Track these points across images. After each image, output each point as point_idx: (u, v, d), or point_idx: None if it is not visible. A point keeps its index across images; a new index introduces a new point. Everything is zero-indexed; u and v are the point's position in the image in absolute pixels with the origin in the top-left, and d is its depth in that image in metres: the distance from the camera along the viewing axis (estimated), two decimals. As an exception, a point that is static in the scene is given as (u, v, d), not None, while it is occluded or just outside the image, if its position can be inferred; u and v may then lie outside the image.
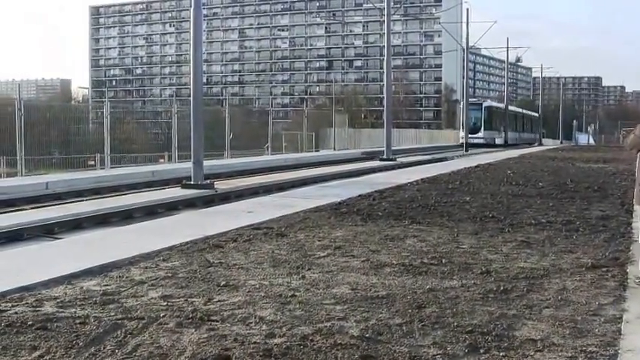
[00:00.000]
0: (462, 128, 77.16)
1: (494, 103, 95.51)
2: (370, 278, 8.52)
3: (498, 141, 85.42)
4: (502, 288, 8.03)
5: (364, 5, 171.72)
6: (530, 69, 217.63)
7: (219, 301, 7.40)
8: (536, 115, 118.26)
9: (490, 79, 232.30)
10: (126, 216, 18.59)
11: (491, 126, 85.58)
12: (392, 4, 51.15)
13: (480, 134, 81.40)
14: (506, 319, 6.84)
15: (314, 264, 9.32)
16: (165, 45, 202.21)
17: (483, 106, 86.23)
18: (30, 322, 6.58)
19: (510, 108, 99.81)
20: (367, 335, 6.26)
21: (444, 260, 9.59)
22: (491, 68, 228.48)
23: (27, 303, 7.33)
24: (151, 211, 19.49)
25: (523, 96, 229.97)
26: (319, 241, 11.13)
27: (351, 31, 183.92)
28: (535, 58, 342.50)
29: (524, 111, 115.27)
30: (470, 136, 72.41)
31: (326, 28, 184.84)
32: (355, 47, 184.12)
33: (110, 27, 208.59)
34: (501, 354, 5.85)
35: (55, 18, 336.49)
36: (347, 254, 10.01)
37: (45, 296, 7.61)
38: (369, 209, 15.36)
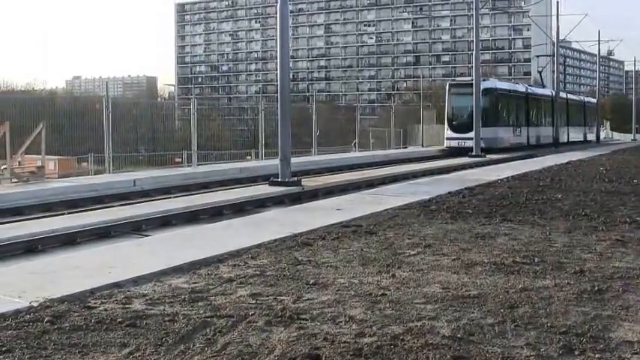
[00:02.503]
0: (447, 123, 52.92)
1: (504, 84, 60.32)
2: (461, 277, 8.40)
3: (513, 141, 54.74)
4: (597, 288, 7.83)
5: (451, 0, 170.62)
6: (622, 62, 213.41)
7: (308, 299, 7.36)
8: (592, 101, 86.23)
9: (581, 73, 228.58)
10: (214, 213, 18.69)
11: (497, 119, 52.97)
12: (480, -3, 50.78)
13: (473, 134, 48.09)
14: (601, 319, 6.67)
15: (404, 262, 9.23)
16: (251, 41, 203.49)
17: (482, 88, 49.88)
18: (119, 319, 6.63)
19: (534, 90, 63.89)
20: (459, 335, 6.16)
21: (536, 259, 9.41)
22: (581, 62, 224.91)
23: (116, 300, 7.39)
24: (239, 209, 19.58)
25: (615, 90, 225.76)
26: (409, 239, 11.03)
27: (438, 26, 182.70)
28: (628, 50, 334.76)
29: (569, 95, 78.19)
30: (454, 136, 51.29)
31: (413, 22, 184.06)
32: (443, 42, 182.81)
33: (196, 24, 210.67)
34: (597, 356, 5.70)
35: (141, 15, 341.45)
36: (437, 252, 9.89)
37: (134, 293, 7.66)
38: (459, 207, 15.20)
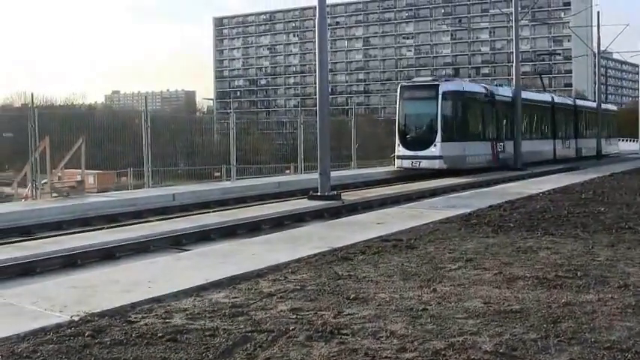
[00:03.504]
0: (398, 137, 39.70)
1: (474, 86, 45.56)
2: (503, 292, 8.32)
3: (480, 160, 40.99)
4: (642, 302, 7.72)
5: (490, 11, 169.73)
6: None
7: (348, 314, 7.33)
8: (611, 108, 74.26)
9: (622, 84, 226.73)
10: (253, 228, 18.67)
11: (464, 130, 40.54)
12: (519, 9, 50.29)
13: (434, 149, 37.86)
14: (646, 335, 6.56)
15: (445, 277, 9.16)
16: (289, 55, 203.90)
17: (441, 90, 38.62)
18: (160, 334, 6.63)
19: (527, 95, 49.92)
20: (501, 351, 6.10)
21: (579, 273, 9.30)
22: (623, 73, 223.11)
23: (157, 314, 7.40)
24: (277, 223, 19.55)
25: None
26: (449, 253, 10.96)
27: (477, 38, 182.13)
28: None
29: (563, 99, 62.87)
30: (407, 154, 38.68)
31: (452, 35, 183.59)
32: (482, 54, 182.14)
33: (234, 38, 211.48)
34: (643, 372, 5.61)
35: (179, 30, 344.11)
36: (478, 267, 9.81)
37: (174, 308, 7.67)
38: (499, 220, 15.10)
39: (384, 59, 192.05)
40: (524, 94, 48.13)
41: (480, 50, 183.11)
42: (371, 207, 22.31)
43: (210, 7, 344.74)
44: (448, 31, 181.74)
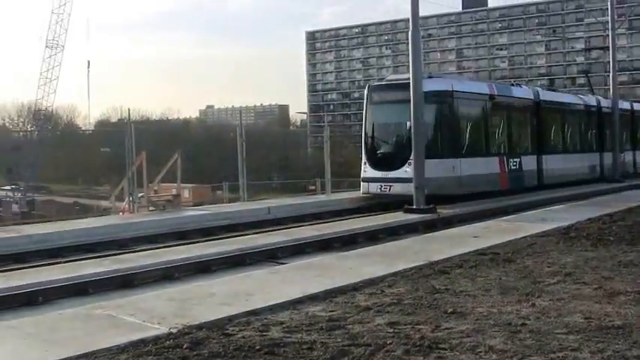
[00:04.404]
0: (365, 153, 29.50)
1: (471, 86, 33.44)
2: (604, 307, 8.14)
3: (480, 181, 29.55)
4: None
5: (585, 20, 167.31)
6: None
7: (446, 328, 7.26)
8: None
9: None
10: (348, 241, 18.64)
11: (453, 145, 29.17)
12: (616, 17, 49.08)
13: (409, 170, 26.05)
14: None
15: (543, 291, 9.01)
16: (382, 68, 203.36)
17: (426, 89, 26.03)
18: (257, 347, 6.66)
19: (560, 98, 39.92)
20: (604, 368, 5.96)
21: (684, 288, 9.05)
22: None
23: (254, 327, 7.44)
24: (372, 237, 19.48)
25: None
26: (548, 267, 10.78)
27: (572, 48, 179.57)
28: None
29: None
30: (375, 175, 28.46)
31: (546, 45, 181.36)
32: (577, 64, 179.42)
33: (326, 51, 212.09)
34: None
35: (272, 44, 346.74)
36: (578, 281, 9.63)
37: (271, 321, 7.70)
38: (599, 234, 14.79)
39: (478, 71, 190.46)
40: (558, 97, 39.90)
41: (575, 60, 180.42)
42: (466, 220, 22.06)
43: (302, 22, 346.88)
44: (542, 41, 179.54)
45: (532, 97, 34.93)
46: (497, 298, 8.68)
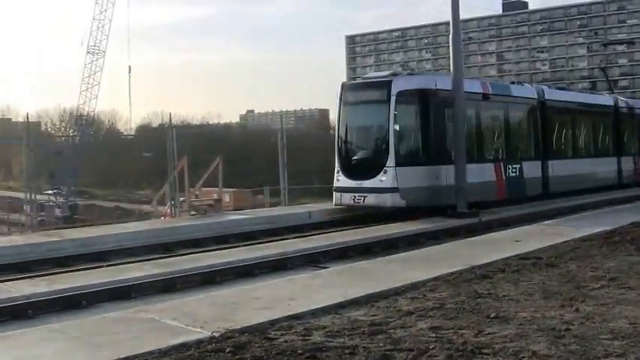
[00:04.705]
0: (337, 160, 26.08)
1: (450, 80, 25.27)
2: (650, 312, 8.06)
3: (474, 191, 24.75)
4: None
5: (628, 21, 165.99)
6: None
7: (489, 333, 7.22)
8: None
9: None
10: (389, 246, 18.58)
11: (437, 149, 25.41)
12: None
13: (384, 178, 24.08)
14: None
15: (587, 296, 8.94)
16: (422, 71, 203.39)
17: (395, 89, 24.36)
18: (300, 351, 6.66)
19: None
20: (650, 374, 5.90)
21: None
22: None
23: (296, 332, 7.45)
24: (413, 241, 19.41)
25: None
26: (592, 271, 10.69)
27: (614, 50, 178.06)
28: None
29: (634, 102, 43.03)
30: (347, 185, 25.08)
31: (588, 47, 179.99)
32: (620, 66, 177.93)
33: (366, 55, 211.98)
34: None
35: (313, 48, 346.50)
36: (622, 286, 9.54)
37: (313, 325, 7.70)
38: (643, 238, 14.64)
39: (519, 74, 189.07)
40: (566, 96, 35.71)
41: (617, 62, 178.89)
42: (507, 224, 21.93)
43: (344, 25, 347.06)
44: (584, 43, 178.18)
45: (535, 96, 31.03)
46: (541, 302, 8.63)
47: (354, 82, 28.58)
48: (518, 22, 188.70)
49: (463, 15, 25.47)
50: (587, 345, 6.75)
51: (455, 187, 23.69)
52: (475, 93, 27.34)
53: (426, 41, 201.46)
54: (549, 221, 20.94)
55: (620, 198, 30.15)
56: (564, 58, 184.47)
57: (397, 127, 24.33)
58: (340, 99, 26.16)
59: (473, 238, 17.22)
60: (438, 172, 24.80)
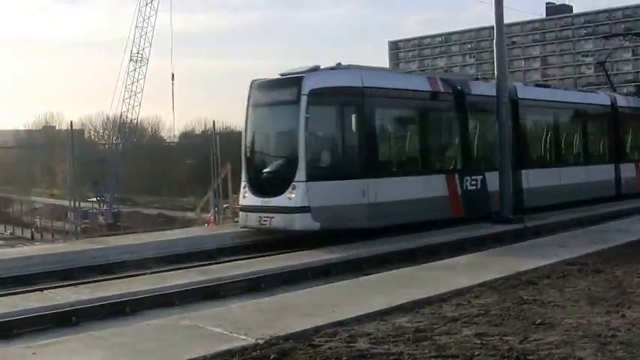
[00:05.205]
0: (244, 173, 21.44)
1: (392, 77, 25.56)
2: (698, 319, 7.95)
3: (414, 209, 21.51)
4: None
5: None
6: None
7: (535, 339, 7.18)
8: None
9: None
10: (433, 252, 18.49)
11: (365, 159, 20.87)
12: None
13: (292, 195, 19.48)
14: None
15: (634, 302, 8.85)
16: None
17: (306, 87, 19.79)
18: (344, 358, 6.67)
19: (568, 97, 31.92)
20: (698, 382, 5.82)
21: None
22: None
23: (341, 338, 7.44)
24: (457, 247, 19.28)
25: None
26: (638, 277, 10.58)
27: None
28: None
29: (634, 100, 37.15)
30: (254, 203, 20.56)
31: (633, 51, 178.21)
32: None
33: (409, 61, 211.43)
34: None
35: (355, 54, 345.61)
36: (670, 292, 9.43)
37: (358, 332, 7.69)
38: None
39: (563, 78, 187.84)
40: (547, 94, 30.50)
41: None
42: (554, 230, 21.73)
43: (389, 30, 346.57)
44: (629, 47, 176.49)
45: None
46: (587, 309, 8.55)
47: (263, 79, 21.99)
48: (562, 26, 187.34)
49: (506, 19, 25.30)
50: (634, 352, 6.69)
51: (499, 192, 23.44)
52: (417, 91, 23.12)
53: (470, 46, 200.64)
54: (595, 226, 20.77)
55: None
56: (609, 62, 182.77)
57: (309, 134, 20.05)
58: (248, 99, 21.75)
59: (519, 244, 17.13)
60: (362, 188, 20.49)
